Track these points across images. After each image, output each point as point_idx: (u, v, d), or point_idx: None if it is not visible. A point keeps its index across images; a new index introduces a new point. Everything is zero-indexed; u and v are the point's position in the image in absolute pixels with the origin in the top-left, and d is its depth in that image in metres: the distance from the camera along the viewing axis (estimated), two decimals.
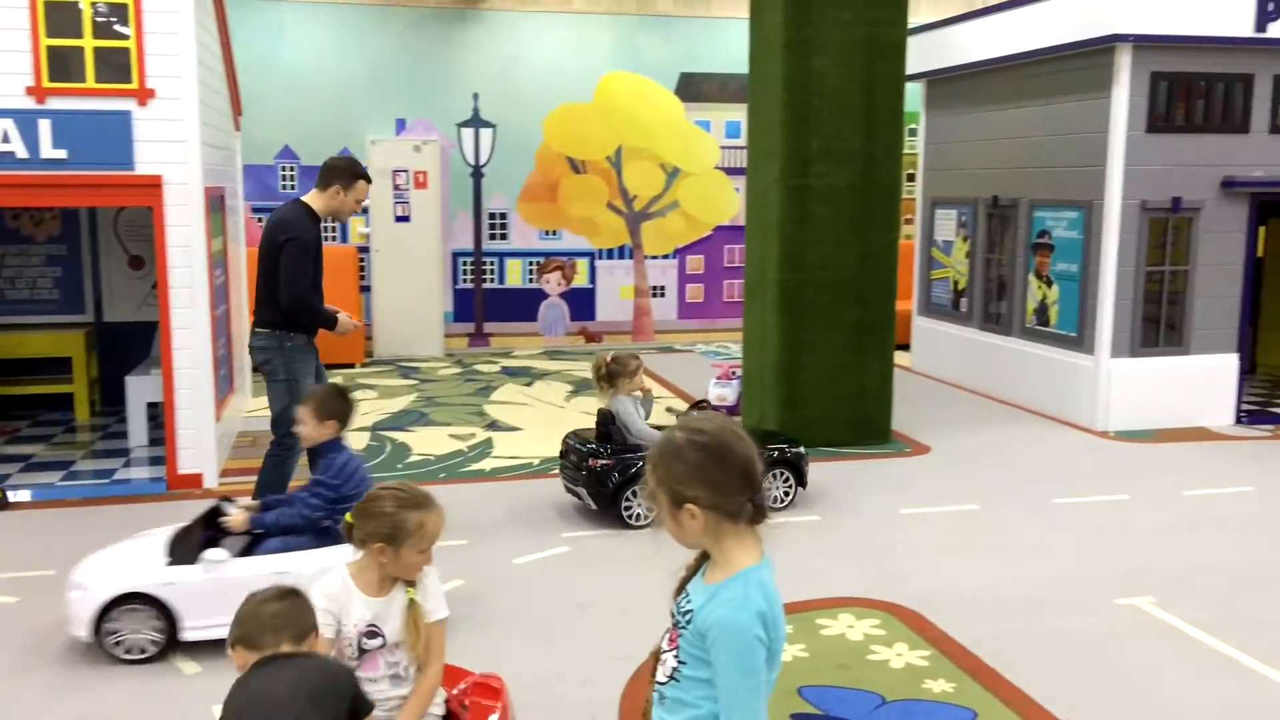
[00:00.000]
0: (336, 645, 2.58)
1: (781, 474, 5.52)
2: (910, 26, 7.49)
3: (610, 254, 11.08)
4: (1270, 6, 6.85)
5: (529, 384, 8.94)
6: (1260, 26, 6.87)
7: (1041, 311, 7.81)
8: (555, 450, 5.89)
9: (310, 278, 4.83)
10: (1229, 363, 7.33)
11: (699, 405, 6.68)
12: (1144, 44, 6.81)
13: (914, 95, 10.05)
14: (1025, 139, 7.92)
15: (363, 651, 2.58)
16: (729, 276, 11.25)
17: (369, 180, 5.07)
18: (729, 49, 10.61)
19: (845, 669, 3.78)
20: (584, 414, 7.55)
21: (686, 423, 1.96)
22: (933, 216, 9.34)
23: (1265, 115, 7.11)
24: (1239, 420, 7.39)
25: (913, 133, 10.01)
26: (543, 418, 7.65)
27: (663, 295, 11.24)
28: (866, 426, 6.92)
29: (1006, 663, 3.81)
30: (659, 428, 5.03)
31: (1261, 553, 4.93)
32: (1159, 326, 7.26)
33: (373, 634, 2.58)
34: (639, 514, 5.24)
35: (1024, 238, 7.97)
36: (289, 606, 2.31)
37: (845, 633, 4.07)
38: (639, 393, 5.44)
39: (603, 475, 5.23)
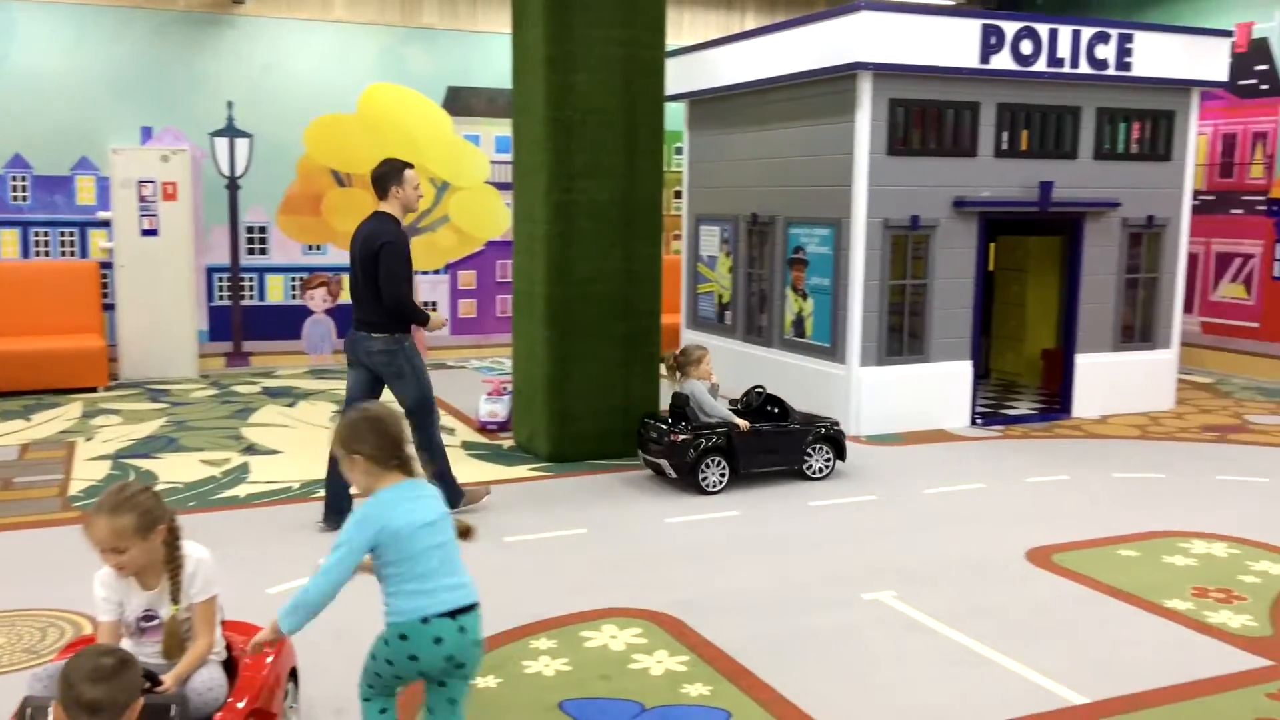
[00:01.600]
0: (120, 624, 2.98)
1: (822, 449, 6.50)
2: (672, 48, 7.71)
3: None
4: (992, 40, 7.46)
5: (291, 405, 8.59)
6: (984, 59, 7.47)
7: (798, 324, 8.18)
8: (318, 474, 5.68)
9: (409, 281, 5.37)
10: (964, 369, 7.90)
11: (755, 390, 6.79)
12: (883, 72, 7.27)
13: (679, 115, 10.36)
14: (780, 159, 8.29)
15: (142, 630, 2.99)
16: (501, 291, 11.21)
17: (410, 165, 5.48)
18: (495, 64, 10.59)
19: (607, 679, 3.81)
20: None
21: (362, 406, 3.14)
22: (698, 232, 9.63)
23: (990, 140, 7.73)
24: (973, 422, 7.97)
25: (680, 151, 10.27)
26: (306, 440, 7.36)
27: (434, 310, 11.04)
28: (637, 439, 7.01)
29: (761, 663, 3.94)
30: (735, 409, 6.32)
31: (989, 546, 5.32)
32: (902, 336, 7.75)
33: (149, 617, 2.99)
34: (714, 481, 6.18)
35: (781, 253, 8.33)
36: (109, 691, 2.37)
37: (608, 643, 4.11)
38: (708, 380, 6.37)
39: (683, 448, 6.11)
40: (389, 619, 2.94)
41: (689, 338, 9.83)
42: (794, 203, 8.14)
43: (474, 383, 9.43)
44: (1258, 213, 9.97)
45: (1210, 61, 8.25)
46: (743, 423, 6.25)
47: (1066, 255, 8.37)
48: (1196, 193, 10.32)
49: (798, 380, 8.11)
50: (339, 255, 10.57)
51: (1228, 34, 8.45)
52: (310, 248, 10.51)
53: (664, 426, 6.29)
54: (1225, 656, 4.05)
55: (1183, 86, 8.23)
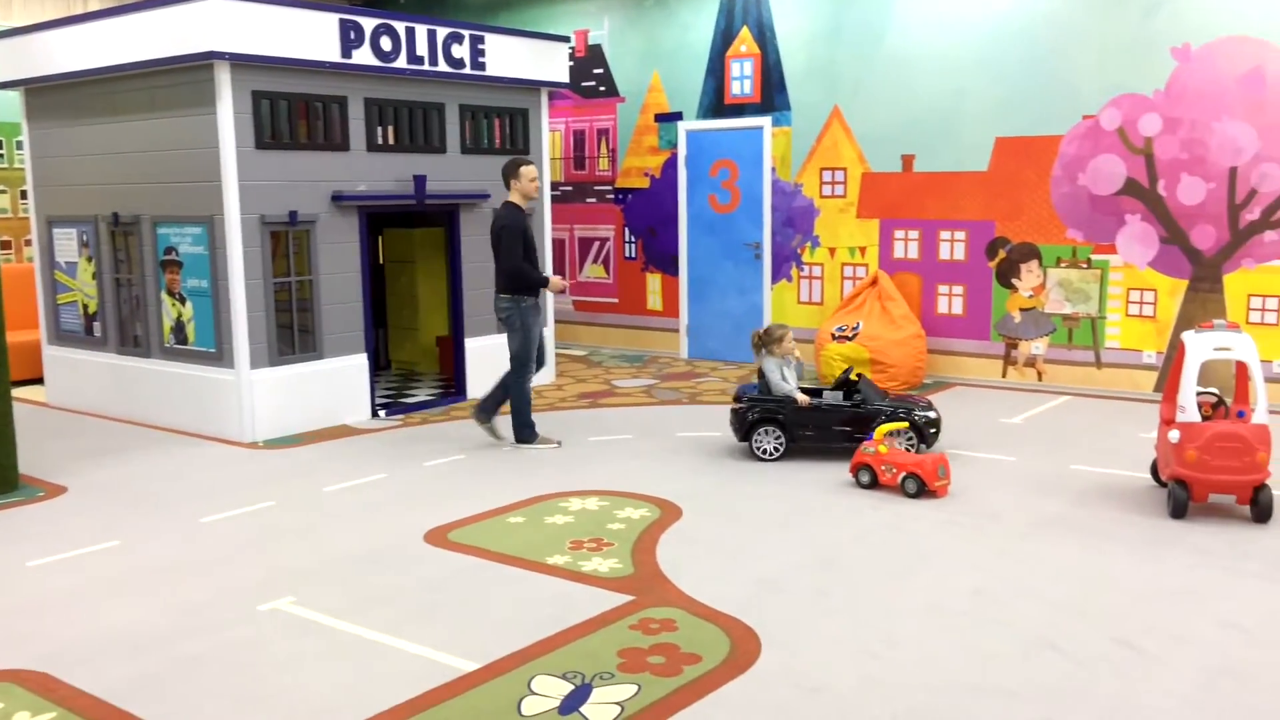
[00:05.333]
0: None
1: (904, 432, 6.58)
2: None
3: None
4: (352, 35, 7.52)
5: None
6: (345, 53, 7.50)
7: (179, 330, 7.63)
8: None
9: (522, 253, 6.76)
10: (359, 362, 7.93)
11: (845, 371, 7.03)
12: (242, 63, 6.99)
13: (14, 105, 9.16)
14: (139, 154, 7.64)
15: None
16: None
17: (530, 161, 6.97)
18: None
19: None
20: None
21: None
22: (52, 236, 8.57)
23: (362, 135, 7.80)
24: (375, 414, 8.05)
25: (21, 146, 9.04)
26: None
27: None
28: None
29: (142, 701, 3.61)
30: (805, 389, 6.74)
31: (387, 534, 5.40)
32: (294, 335, 7.57)
33: None
34: (769, 450, 6.67)
35: (152, 255, 7.70)
36: None
37: None
38: (790, 356, 6.80)
39: (741, 415, 6.73)
40: None
41: (52, 354, 8.73)
42: (160, 201, 7.56)
43: None
44: (607, 201, 11.24)
45: (554, 64, 9.09)
46: (802, 397, 6.63)
47: (448, 245, 8.75)
48: (556, 184, 11.41)
49: (184, 391, 7.59)
50: None
51: (566, 39, 9.37)
52: None
53: (738, 394, 6.91)
54: (597, 599, 4.49)
55: (532, 86, 8.98)
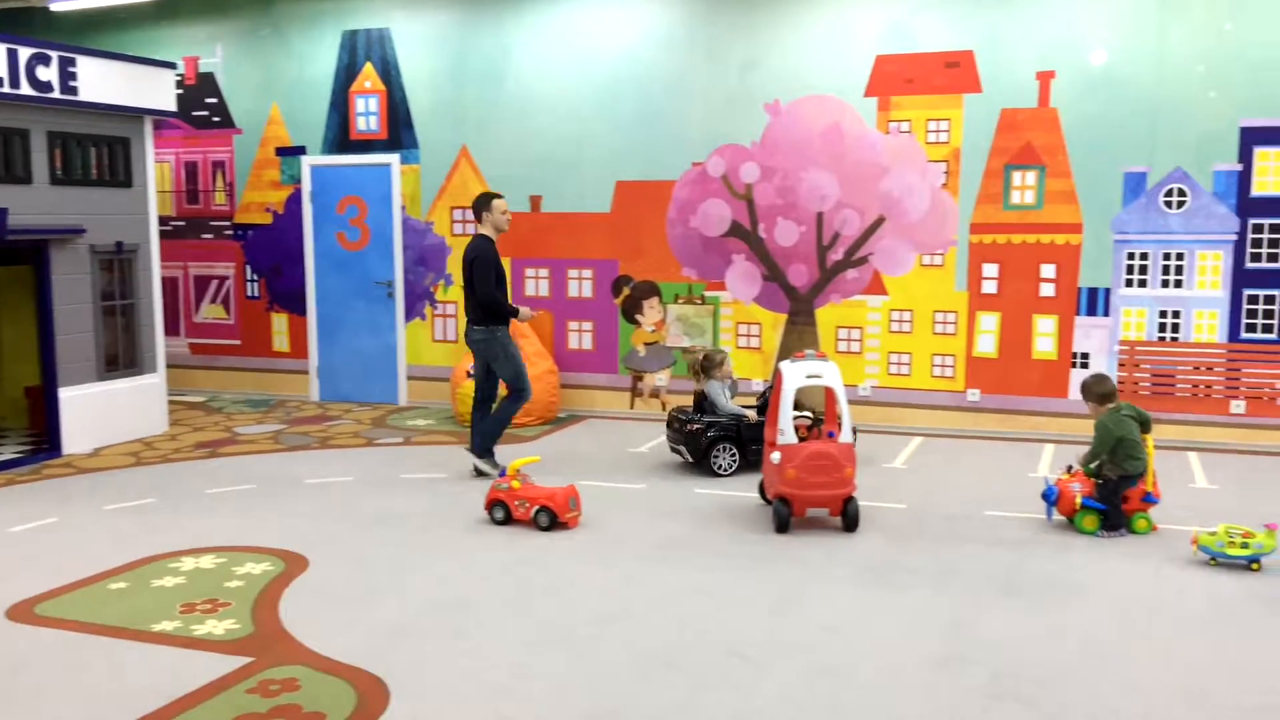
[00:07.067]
0: None
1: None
2: None
3: None
4: None
5: None
6: None
7: None
8: None
9: (494, 282, 7.05)
10: None
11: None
12: None
13: None
14: None
15: None
16: None
17: (500, 196, 7.26)
18: None
19: None
20: None
21: None
22: None
23: None
24: None
25: None
26: None
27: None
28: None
29: None
30: (747, 406, 7.28)
31: None
32: None
33: None
34: (725, 465, 7.09)
35: None
36: None
37: None
38: (727, 380, 7.39)
39: (697, 436, 7.09)
40: None
41: None
42: None
43: None
44: (226, 237, 10.61)
45: (158, 91, 8.48)
46: (750, 414, 7.14)
47: (37, 286, 7.87)
48: (167, 218, 10.63)
49: None
50: None
51: (172, 66, 8.77)
52: None
53: (684, 419, 7.25)
54: (212, 664, 4.17)
55: (134, 114, 8.31)
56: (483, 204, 7.22)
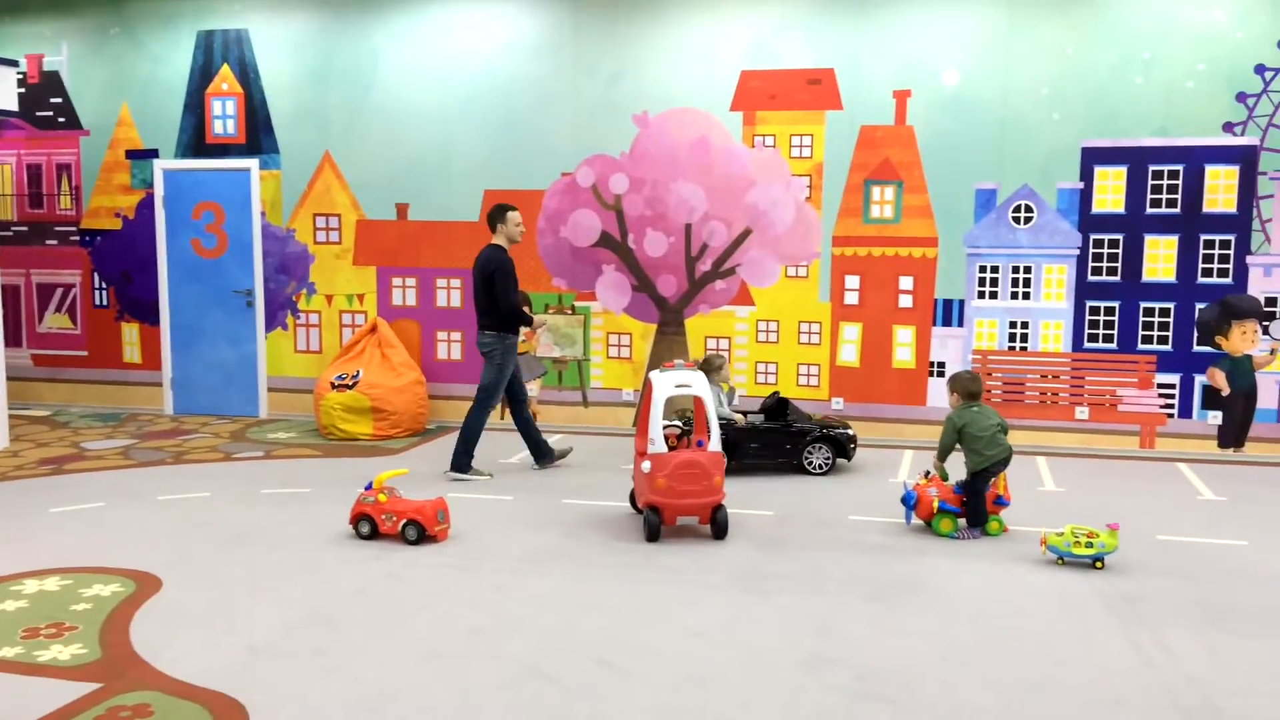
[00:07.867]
0: None
1: (822, 448, 7.45)
2: None
3: None
4: None
5: None
6: None
7: None
8: None
9: (515, 293, 7.29)
10: None
11: (772, 395, 7.73)
12: None
13: None
14: None
15: None
16: None
17: (514, 208, 7.38)
18: None
19: None
20: None
21: None
22: None
23: None
24: None
25: None
26: None
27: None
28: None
29: None
30: (741, 411, 7.63)
31: None
32: None
33: None
34: None
35: None
36: None
37: None
38: (724, 385, 7.58)
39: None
40: None
41: None
42: None
43: None
44: (72, 243, 10.11)
45: None
46: (739, 416, 7.39)
47: None
48: (8, 224, 10.08)
49: None
50: None
51: (14, 64, 8.33)
52: None
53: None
54: (56, 692, 3.95)
55: None
56: (497, 215, 7.37)
